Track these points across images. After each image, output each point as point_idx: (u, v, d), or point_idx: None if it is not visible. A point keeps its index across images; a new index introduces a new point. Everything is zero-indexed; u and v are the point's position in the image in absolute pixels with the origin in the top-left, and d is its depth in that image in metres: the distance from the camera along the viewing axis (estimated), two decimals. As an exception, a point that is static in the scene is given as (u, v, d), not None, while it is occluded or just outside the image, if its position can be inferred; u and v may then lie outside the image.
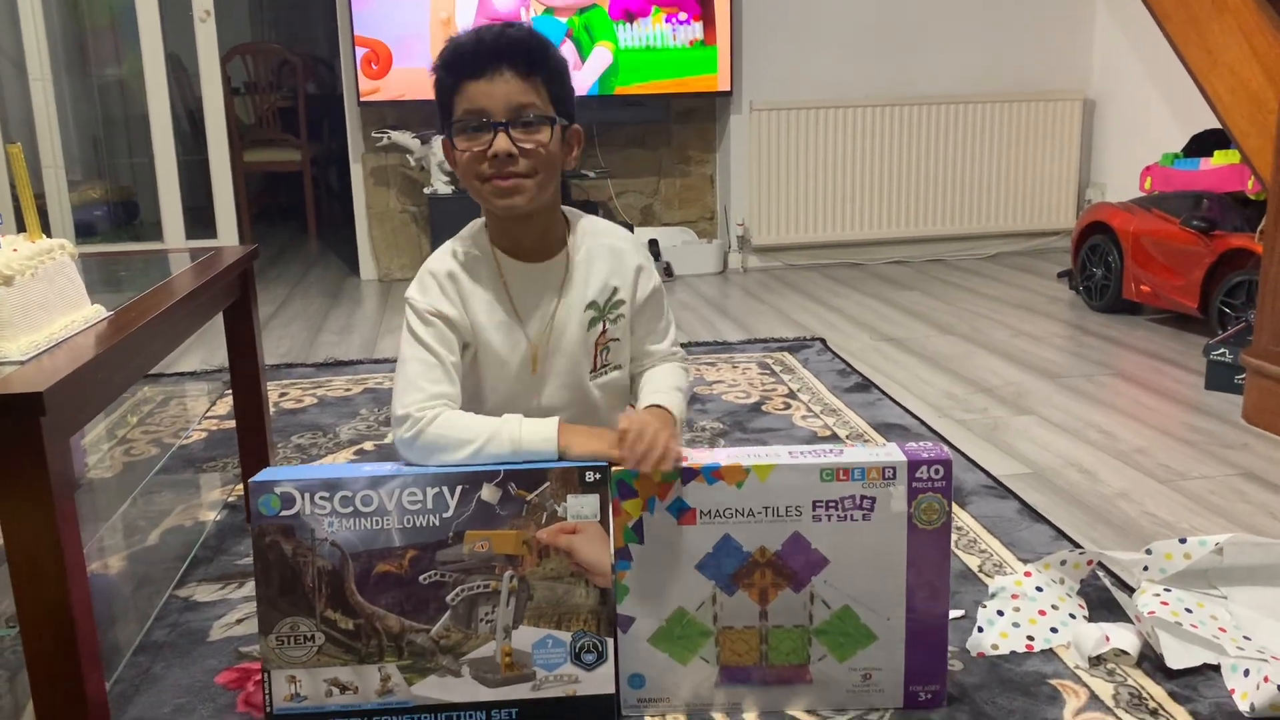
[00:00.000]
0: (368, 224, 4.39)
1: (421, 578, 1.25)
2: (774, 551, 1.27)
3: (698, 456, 1.27)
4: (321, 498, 1.23)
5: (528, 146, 1.31)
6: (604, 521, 1.26)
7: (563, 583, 1.27)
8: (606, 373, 1.47)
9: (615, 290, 1.44)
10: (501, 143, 1.30)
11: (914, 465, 1.24)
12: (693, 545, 1.27)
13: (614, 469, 1.25)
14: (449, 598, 1.26)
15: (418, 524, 1.25)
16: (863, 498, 1.25)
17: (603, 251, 1.44)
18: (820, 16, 4.33)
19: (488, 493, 1.25)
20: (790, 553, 1.27)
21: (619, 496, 1.26)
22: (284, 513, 1.23)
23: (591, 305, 1.43)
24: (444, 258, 1.41)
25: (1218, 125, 3.14)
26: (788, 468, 1.25)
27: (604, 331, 1.45)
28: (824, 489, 1.25)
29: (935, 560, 1.27)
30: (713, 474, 1.25)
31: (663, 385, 1.45)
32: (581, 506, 1.25)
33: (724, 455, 1.28)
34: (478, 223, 1.45)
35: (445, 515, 1.25)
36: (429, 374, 1.33)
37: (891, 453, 1.27)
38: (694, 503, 1.26)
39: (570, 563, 1.26)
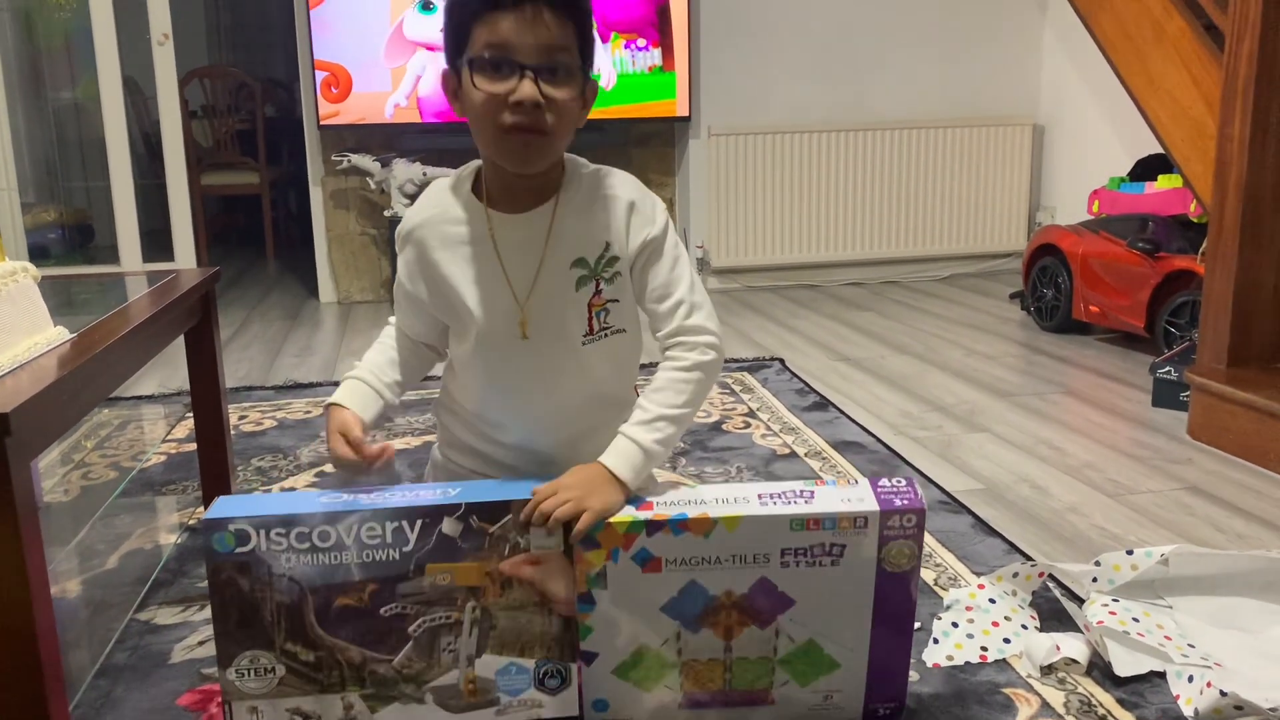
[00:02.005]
0: (327, 246, 4.39)
1: (382, 610, 1.23)
2: (740, 594, 1.24)
3: (664, 503, 1.24)
4: (277, 534, 1.20)
5: (555, 97, 1.19)
6: (567, 551, 1.24)
7: (525, 612, 1.25)
8: (605, 336, 1.33)
9: (608, 246, 1.29)
10: (528, 89, 1.17)
11: (886, 515, 1.20)
12: (657, 590, 1.24)
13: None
14: (410, 629, 1.24)
15: (377, 558, 1.22)
16: (833, 545, 1.21)
17: (598, 203, 1.30)
18: (776, 44, 4.41)
19: (449, 526, 1.22)
20: (757, 595, 1.24)
21: (581, 548, 1.22)
22: (239, 550, 1.20)
23: (579, 263, 1.29)
24: (422, 208, 1.35)
25: (1161, 150, 3.24)
26: (757, 519, 1.20)
27: (598, 292, 1.31)
28: (793, 537, 1.21)
29: (903, 599, 1.25)
30: (679, 525, 1.20)
31: (641, 415, 1.29)
32: (544, 538, 1.23)
33: (691, 502, 1.23)
34: (469, 166, 1.35)
35: (405, 549, 1.22)
36: (399, 301, 1.43)
37: (864, 497, 1.22)
38: (659, 552, 1.22)
39: (533, 592, 1.24)
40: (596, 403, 1.37)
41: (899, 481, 1.26)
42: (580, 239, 1.29)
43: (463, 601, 1.24)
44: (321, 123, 4.10)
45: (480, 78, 1.19)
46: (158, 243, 4.47)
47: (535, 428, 1.39)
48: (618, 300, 1.32)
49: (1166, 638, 1.46)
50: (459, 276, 1.32)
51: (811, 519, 1.20)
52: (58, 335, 1.39)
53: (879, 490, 1.24)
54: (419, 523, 1.22)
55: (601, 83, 3.96)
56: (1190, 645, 1.45)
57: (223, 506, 1.24)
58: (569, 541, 1.22)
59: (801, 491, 1.25)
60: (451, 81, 1.26)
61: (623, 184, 1.33)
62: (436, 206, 1.34)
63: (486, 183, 1.31)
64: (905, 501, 1.22)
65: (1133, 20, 3.21)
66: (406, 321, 1.45)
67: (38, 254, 4.51)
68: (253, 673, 1.24)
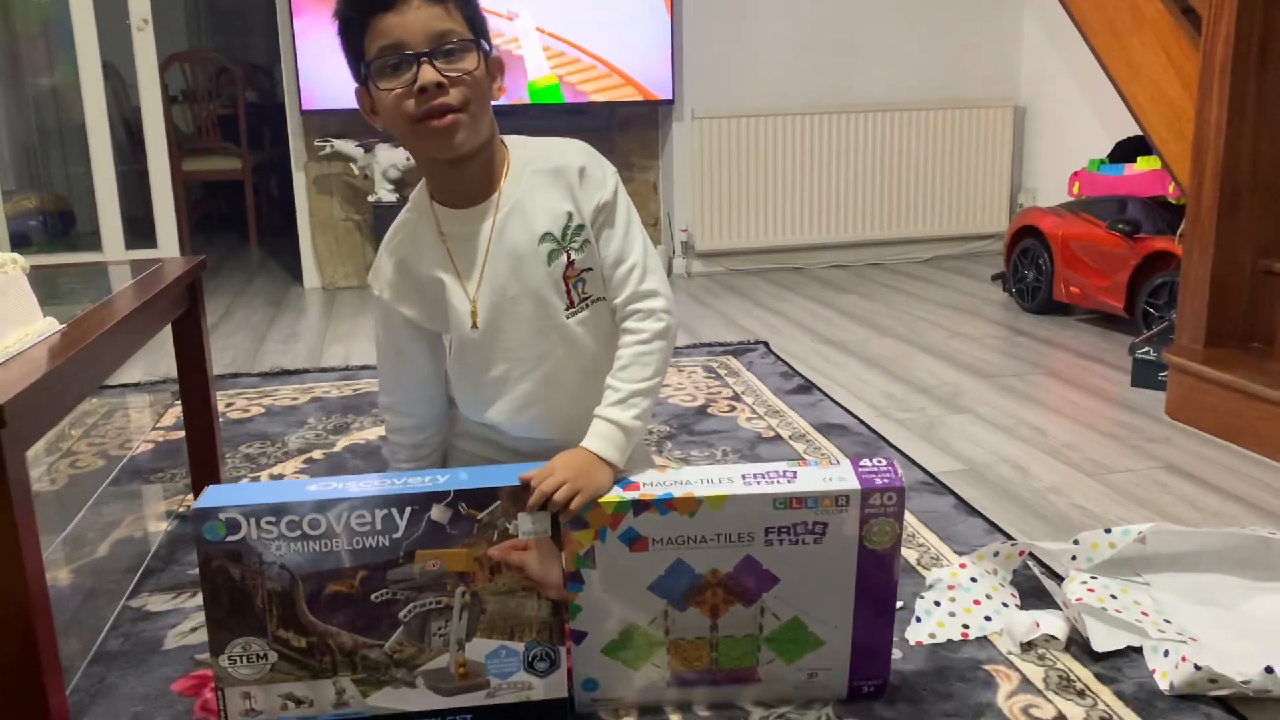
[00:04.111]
0: (311, 232, 4.38)
1: (373, 596, 1.25)
2: (725, 573, 1.26)
3: (650, 483, 1.26)
4: (268, 522, 1.21)
5: (455, 75, 1.23)
6: (556, 536, 1.26)
7: (515, 597, 1.27)
8: (587, 306, 1.36)
9: (570, 215, 1.32)
10: (428, 74, 1.21)
11: (867, 494, 1.24)
12: (644, 569, 1.26)
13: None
14: (401, 614, 1.26)
15: (367, 545, 1.23)
16: (815, 523, 1.24)
17: (545, 178, 1.33)
18: (759, 27, 4.41)
19: (438, 513, 1.23)
20: (742, 573, 1.27)
21: (570, 528, 1.24)
22: (229, 538, 1.21)
23: (546, 237, 1.32)
24: (391, 234, 1.39)
25: (1140, 132, 3.27)
26: (741, 498, 1.23)
27: (571, 263, 1.33)
28: (777, 516, 1.24)
29: (884, 576, 1.27)
30: (665, 505, 1.23)
31: (614, 395, 1.33)
32: (533, 523, 1.25)
33: (676, 482, 1.26)
34: (422, 183, 1.39)
35: (395, 536, 1.23)
36: (382, 365, 1.45)
37: (845, 476, 1.25)
38: (646, 532, 1.24)
39: (522, 577, 1.26)
40: (591, 379, 1.37)
41: (879, 461, 1.29)
42: (540, 216, 1.32)
43: (452, 587, 1.26)
44: (304, 107, 4.09)
45: (383, 80, 1.24)
46: (140, 229, 4.45)
47: (536, 420, 1.40)
48: (591, 269, 1.35)
49: (1143, 614, 1.49)
50: (431, 278, 1.35)
51: (794, 498, 1.23)
52: (47, 326, 1.39)
53: (860, 470, 1.27)
54: (408, 510, 1.23)
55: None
56: (1166, 621, 1.49)
57: (213, 495, 1.25)
58: (560, 521, 1.24)
59: (785, 472, 1.28)
60: (364, 98, 1.30)
61: (571, 151, 1.35)
62: (401, 227, 1.38)
63: (431, 187, 1.36)
64: (885, 480, 1.25)
65: (1111, 4, 3.22)
66: (384, 351, 1.43)
67: (19, 241, 4.48)
68: (245, 659, 1.25)
